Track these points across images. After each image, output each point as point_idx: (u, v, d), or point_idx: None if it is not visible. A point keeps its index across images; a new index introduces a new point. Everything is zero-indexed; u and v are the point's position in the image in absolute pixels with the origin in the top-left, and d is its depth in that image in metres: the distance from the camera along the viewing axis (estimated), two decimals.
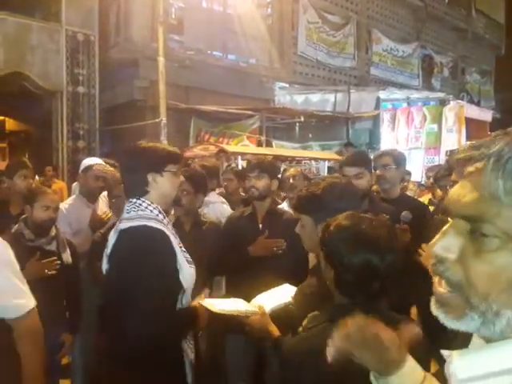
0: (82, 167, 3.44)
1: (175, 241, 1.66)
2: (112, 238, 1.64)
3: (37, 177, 3.59)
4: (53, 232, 2.64)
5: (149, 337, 1.45)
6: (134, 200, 1.66)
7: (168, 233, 1.63)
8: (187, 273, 1.65)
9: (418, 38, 15.06)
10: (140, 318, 1.47)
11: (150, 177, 1.66)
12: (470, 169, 0.61)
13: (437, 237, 0.63)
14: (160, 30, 7.95)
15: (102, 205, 3.33)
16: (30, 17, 8.37)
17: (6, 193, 3.19)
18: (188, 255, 1.73)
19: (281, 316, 1.58)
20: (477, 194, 0.58)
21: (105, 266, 1.66)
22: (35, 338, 1.61)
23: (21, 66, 8.01)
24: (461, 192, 0.61)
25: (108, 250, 1.65)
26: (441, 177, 2.46)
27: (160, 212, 1.67)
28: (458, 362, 0.60)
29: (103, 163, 3.47)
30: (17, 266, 1.61)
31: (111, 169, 3.37)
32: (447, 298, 0.61)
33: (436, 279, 0.64)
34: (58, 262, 2.55)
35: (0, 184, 3.33)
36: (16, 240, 2.52)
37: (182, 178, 1.78)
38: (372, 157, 3.13)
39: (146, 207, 1.64)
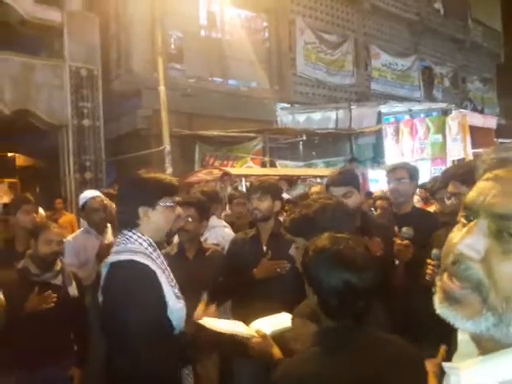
0: (80, 203, 3.47)
1: (163, 275, 1.63)
2: (103, 270, 1.65)
3: (41, 210, 3.63)
4: (58, 266, 2.67)
5: (139, 372, 1.44)
6: (126, 232, 1.65)
7: (154, 267, 1.60)
8: (175, 309, 1.62)
9: (416, 50, 15.19)
10: (128, 353, 1.47)
11: (141, 210, 1.63)
12: (500, 171, 0.61)
13: (460, 235, 0.61)
14: (160, 61, 8.13)
15: (110, 234, 3.37)
16: (34, 55, 8.63)
17: (11, 230, 3.24)
18: (177, 290, 1.69)
19: (278, 341, 1.57)
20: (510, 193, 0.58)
21: (100, 298, 1.67)
22: None
23: (27, 104, 8.22)
24: (490, 192, 0.60)
25: (101, 282, 1.66)
26: (437, 189, 2.43)
27: (150, 244, 1.64)
28: (464, 373, 0.57)
29: (99, 194, 3.49)
30: None
31: (106, 199, 3.38)
32: (461, 294, 0.59)
33: (445, 275, 0.61)
34: (65, 295, 2.58)
35: (6, 221, 3.38)
36: (22, 275, 2.57)
37: (178, 211, 1.76)
38: (385, 171, 3.04)
39: (136, 240, 1.62)
